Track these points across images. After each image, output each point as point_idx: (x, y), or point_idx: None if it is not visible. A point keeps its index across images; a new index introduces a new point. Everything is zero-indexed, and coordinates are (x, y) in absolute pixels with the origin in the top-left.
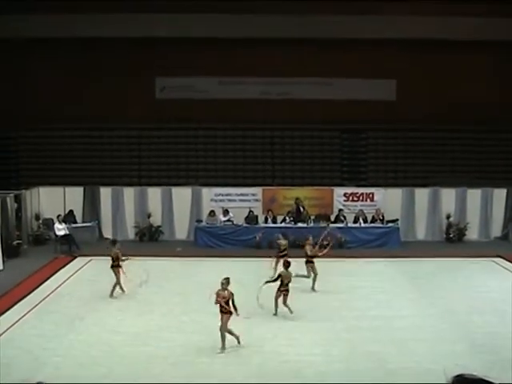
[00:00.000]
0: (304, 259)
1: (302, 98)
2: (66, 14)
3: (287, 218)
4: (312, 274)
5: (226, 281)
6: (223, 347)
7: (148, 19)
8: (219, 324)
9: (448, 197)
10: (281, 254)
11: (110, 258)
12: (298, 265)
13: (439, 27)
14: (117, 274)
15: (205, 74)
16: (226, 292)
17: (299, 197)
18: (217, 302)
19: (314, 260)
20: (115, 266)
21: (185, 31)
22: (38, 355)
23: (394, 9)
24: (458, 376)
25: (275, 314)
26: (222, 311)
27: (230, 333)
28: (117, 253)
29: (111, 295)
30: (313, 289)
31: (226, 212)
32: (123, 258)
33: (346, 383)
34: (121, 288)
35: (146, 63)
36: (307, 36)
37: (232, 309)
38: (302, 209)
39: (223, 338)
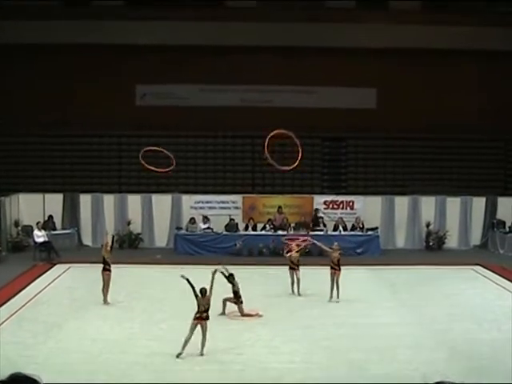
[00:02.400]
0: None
1: (283, 106)
2: (46, 21)
3: (267, 226)
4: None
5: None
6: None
7: (129, 27)
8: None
9: (427, 205)
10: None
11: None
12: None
13: (418, 37)
14: (104, 279)
15: (186, 81)
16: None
17: (281, 205)
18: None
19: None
20: (104, 270)
21: (166, 39)
22: (16, 363)
23: (374, 18)
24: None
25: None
26: (205, 318)
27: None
28: (104, 251)
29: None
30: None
31: (205, 219)
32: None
33: None
34: (104, 297)
35: (127, 70)
36: (289, 44)
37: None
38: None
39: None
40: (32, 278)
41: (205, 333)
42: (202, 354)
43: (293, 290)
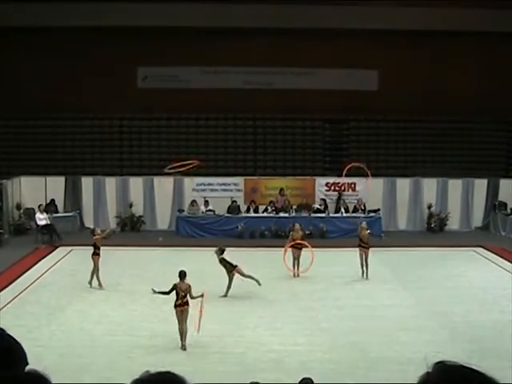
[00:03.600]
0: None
1: (285, 88)
2: (46, 3)
3: (269, 208)
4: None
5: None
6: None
7: (131, 8)
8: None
9: (429, 187)
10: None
11: (92, 246)
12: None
13: (419, 18)
14: (95, 263)
15: (187, 63)
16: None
17: (283, 187)
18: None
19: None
20: (94, 255)
21: (168, 20)
22: None
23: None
24: (438, 363)
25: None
26: (185, 304)
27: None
28: (97, 239)
29: (90, 284)
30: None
31: (206, 202)
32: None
33: (329, 373)
34: (98, 281)
35: (129, 52)
36: (291, 26)
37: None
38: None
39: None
40: (34, 261)
41: (186, 319)
42: (184, 349)
43: (294, 273)
